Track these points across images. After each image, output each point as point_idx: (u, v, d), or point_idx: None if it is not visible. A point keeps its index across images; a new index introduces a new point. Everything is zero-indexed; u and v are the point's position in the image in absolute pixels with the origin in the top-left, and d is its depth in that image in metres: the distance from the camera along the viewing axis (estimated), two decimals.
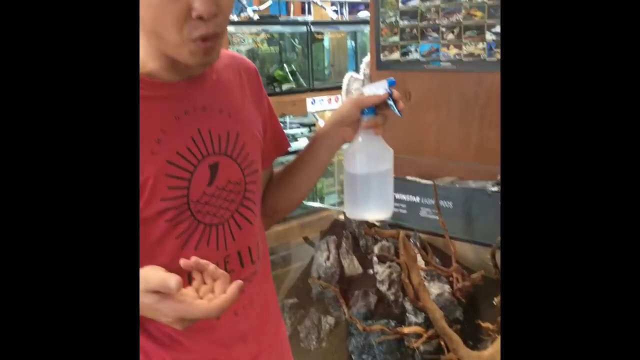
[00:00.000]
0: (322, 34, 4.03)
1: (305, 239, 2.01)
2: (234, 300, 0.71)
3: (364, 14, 4.46)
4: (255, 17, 3.72)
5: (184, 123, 0.85)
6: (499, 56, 1.78)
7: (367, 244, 1.83)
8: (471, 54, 1.85)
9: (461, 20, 1.84)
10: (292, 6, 5.04)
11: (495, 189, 1.68)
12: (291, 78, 3.58)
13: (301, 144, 3.59)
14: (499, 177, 1.66)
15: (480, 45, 1.82)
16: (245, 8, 3.75)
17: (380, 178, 0.97)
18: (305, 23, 3.90)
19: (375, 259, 1.75)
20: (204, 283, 0.75)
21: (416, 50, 1.96)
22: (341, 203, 2.70)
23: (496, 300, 1.42)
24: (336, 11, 4.56)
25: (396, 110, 0.94)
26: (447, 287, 1.63)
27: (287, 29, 3.84)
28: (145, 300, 0.69)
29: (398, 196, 1.80)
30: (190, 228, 0.85)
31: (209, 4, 0.76)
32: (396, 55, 2.01)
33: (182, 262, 0.74)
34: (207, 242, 0.87)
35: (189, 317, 0.71)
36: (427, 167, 1.92)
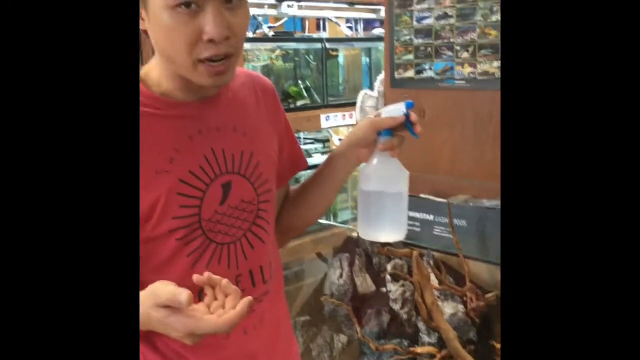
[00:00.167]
0: (336, 50, 4.05)
1: (319, 254, 2.00)
2: (244, 316, 0.71)
3: (378, 31, 4.47)
4: (271, 33, 3.75)
5: (197, 142, 0.86)
6: None
7: (380, 262, 1.81)
8: (485, 73, 1.84)
9: (476, 38, 1.84)
10: (307, 23, 5.07)
11: None
12: (305, 94, 3.60)
13: (315, 159, 3.60)
14: None
15: (495, 63, 1.81)
16: (261, 25, 3.78)
17: (395, 199, 0.96)
18: (320, 39, 3.92)
19: (388, 277, 1.74)
20: (216, 299, 0.75)
21: (430, 69, 1.96)
22: (354, 219, 2.69)
23: None
24: (350, 28, 4.58)
25: (413, 133, 0.94)
26: (460, 307, 1.61)
27: (302, 46, 3.86)
28: (156, 315, 0.69)
29: (411, 214, 1.79)
30: (201, 247, 0.86)
31: (220, 27, 0.77)
32: (410, 73, 2.01)
33: (195, 277, 0.74)
34: (218, 261, 0.87)
35: (198, 332, 0.71)
36: (441, 185, 1.91)
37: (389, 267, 1.76)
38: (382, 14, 3.06)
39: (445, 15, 1.89)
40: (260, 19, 3.75)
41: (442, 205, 1.72)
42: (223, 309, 0.73)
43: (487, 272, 1.66)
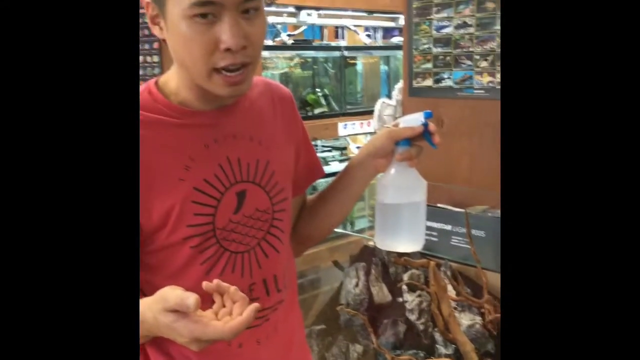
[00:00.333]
0: (355, 58, 4.05)
1: (335, 262, 2.00)
2: (250, 323, 0.70)
3: (397, 39, 4.47)
4: (290, 41, 3.77)
5: (213, 151, 0.86)
6: None
7: (396, 272, 1.80)
8: None
9: (495, 48, 1.83)
10: (326, 31, 5.09)
11: None
12: (324, 102, 3.60)
13: (333, 167, 3.59)
14: None
15: None
16: (280, 33, 3.80)
17: (412, 210, 0.95)
18: (338, 48, 3.93)
19: (404, 287, 1.73)
20: (224, 306, 0.74)
21: (449, 78, 1.95)
22: (371, 228, 2.68)
23: None
24: (369, 36, 4.58)
25: (432, 143, 0.93)
26: (478, 319, 1.59)
27: (320, 54, 3.87)
28: (164, 319, 0.69)
29: (429, 224, 1.78)
30: (215, 255, 0.85)
31: (237, 37, 0.77)
32: (429, 82, 2.00)
33: (205, 284, 0.74)
34: (232, 269, 0.87)
35: (204, 338, 0.70)
36: (459, 195, 1.90)
37: (405, 277, 1.74)
38: (401, 22, 3.06)
39: (465, 25, 1.88)
40: (279, 27, 3.77)
41: (460, 215, 1.71)
42: (230, 315, 0.72)
43: None
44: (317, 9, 3.65)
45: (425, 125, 0.91)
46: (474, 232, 1.66)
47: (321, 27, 4.93)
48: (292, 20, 3.66)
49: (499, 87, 1.84)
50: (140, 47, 2.84)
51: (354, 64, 4.10)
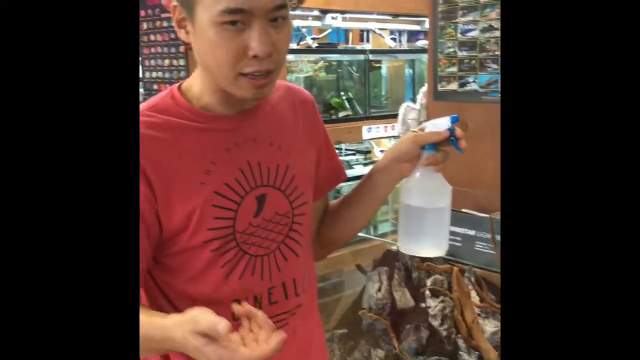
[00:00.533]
0: (379, 62, 4.04)
1: (358, 266, 1.99)
2: (278, 351, 0.71)
3: (422, 43, 4.45)
4: (315, 45, 3.77)
5: (233, 155, 0.86)
6: None
7: (419, 277, 1.79)
8: None
9: None
10: (350, 35, 5.09)
11: None
12: (348, 105, 3.60)
13: (356, 171, 3.58)
14: None
15: None
16: (305, 36, 3.81)
17: (437, 215, 0.94)
18: (363, 51, 3.93)
19: (427, 292, 1.71)
20: (251, 331, 0.74)
21: (474, 81, 1.93)
22: (394, 232, 2.66)
23: None
24: (394, 39, 4.57)
25: (458, 148, 0.91)
26: None
27: (345, 57, 3.87)
28: (194, 342, 0.69)
29: (453, 229, 1.76)
30: (235, 258, 0.86)
31: (266, 44, 0.77)
32: (454, 86, 1.99)
33: (235, 308, 0.74)
34: (251, 273, 0.88)
35: None
36: (483, 200, 1.87)
37: (428, 282, 1.73)
38: (427, 25, 3.04)
39: (491, 28, 1.86)
40: (304, 30, 3.78)
41: (485, 220, 1.69)
42: (256, 342, 0.73)
43: None
44: (342, 12, 3.64)
45: (452, 130, 0.90)
46: (498, 237, 1.64)
47: (346, 31, 4.94)
48: (317, 23, 3.66)
49: None
50: (167, 50, 2.87)
51: (379, 68, 4.10)
